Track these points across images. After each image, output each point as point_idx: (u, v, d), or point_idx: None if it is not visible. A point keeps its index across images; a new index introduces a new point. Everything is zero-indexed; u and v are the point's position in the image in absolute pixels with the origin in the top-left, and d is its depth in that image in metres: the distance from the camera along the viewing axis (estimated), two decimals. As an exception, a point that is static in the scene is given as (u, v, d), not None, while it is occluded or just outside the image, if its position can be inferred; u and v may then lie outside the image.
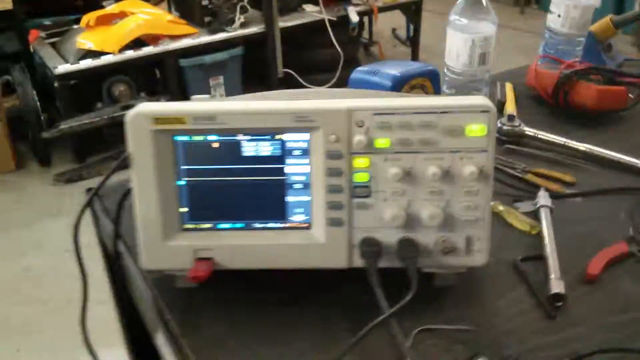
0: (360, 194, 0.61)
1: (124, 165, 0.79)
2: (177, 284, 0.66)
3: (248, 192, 0.63)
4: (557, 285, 0.64)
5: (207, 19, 3.27)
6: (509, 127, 0.97)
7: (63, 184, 2.85)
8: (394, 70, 0.88)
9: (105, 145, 3.11)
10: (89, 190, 0.88)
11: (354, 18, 3.52)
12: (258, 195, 0.63)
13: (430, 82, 0.90)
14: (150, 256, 0.64)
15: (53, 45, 3.21)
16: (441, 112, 0.59)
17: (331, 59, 3.55)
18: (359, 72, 0.93)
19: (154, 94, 3.10)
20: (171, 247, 0.63)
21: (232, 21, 3.28)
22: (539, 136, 0.96)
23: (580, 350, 0.57)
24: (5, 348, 1.90)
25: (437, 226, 0.61)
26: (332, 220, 0.62)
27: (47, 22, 3.46)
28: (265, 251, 0.63)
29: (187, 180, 0.63)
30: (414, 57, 3.95)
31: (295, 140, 0.62)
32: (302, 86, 3.55)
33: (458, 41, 0.96)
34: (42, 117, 2.88)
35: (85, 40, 3.06)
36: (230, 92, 3.25)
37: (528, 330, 0.61)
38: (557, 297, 0.64)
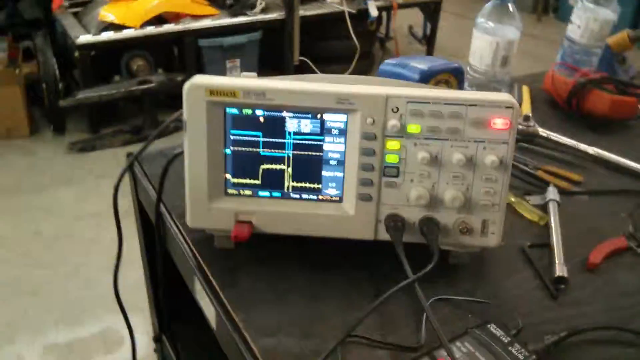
0: (389, 173, 0.67)
1: (162, 133, 0.85)
2: (216, 243, 0.73)
3: (287, 164, 0.70)
4: (560, 269, 0.71)
5: (228, 2, 3.31)
6: (524, 127, 1.03)
7: (76, 152, 2.91)
8: (421, 64, 0.94)
9: (119, 118, 3.18)
10: (129, 155, 0.94)
11: (374, 12, 3.56)
12: (296, 168, 0.70)
13: (455, 78, 0.96)
14: (196, 215, 0.70)
15: (75, 15, 3.25)
16: (469, 105, 0.65)
17: (347, 50, 3.60)
18: (388, 65, 0.99)
19: (171, 71, 3.15)
20: (215, 208, 0.70)
21: (253, 5, 3.32)
22: (551, 137, 1.02)
23: (578, 327, 0.64)
24: (15, 309, 1.97)
25: (457, 208, 0.67)
26: (362, 195, 0.68)
27: (70, -10, 3.49)
28: (300, 219, 0.70)
29: (233, 149, 0.69)
30: (429, 55, 4.00)
31: (334, 120, 0.68)
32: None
33: (483, 43, 1.02)
34: (60, 86, 2.93)
35: (107, 12, 3.10)
36: (246, 76, 3.30)
37: (532, 306, 0.68)
38: (560, 279, 0.71)
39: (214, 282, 0.69)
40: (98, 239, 2.25)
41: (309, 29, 3.47)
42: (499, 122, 0.65)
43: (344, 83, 0.68)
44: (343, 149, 0.69)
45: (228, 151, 0.69)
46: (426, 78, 0.93)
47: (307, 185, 0.70)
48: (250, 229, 0.69)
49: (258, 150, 0.69)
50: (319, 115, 0.68)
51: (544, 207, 0.85)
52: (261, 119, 0.68)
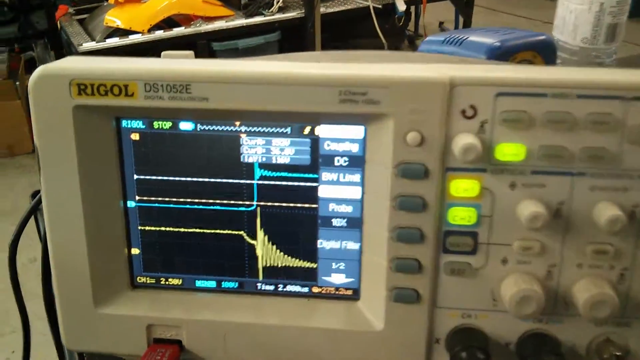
0: (457, 246, 0.32)
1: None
2: (121, 377, 0.38)
3: (250, 227, 0.35)
4: None
5: (243, 1, 3.11)
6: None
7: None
8: (489, 38, 0.58)
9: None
10: (35, 193, 0.61)
11: (401, 7, 3.28)
12: (268, 234, 0.35)
13: (542, 59, 0.60)
14: (75, 331, 0.36)
15: (81, 22, 3.09)
16: (632, 98, 0.30)
17: (373, 49, 3.32)
18: (431, 43, 0.64)
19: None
20: (109, 317, 0.35)
21: (270, 4, 3.09)
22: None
23: None
24: None
25: (602, 317, 0.32)
26: (399, 290, 0.33)
27: (77, -3, 3.33)
28: (275, 336, 0.35)
29: (141, 201, 0.35)
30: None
31: (338, 138, 0.33)
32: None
33: (578, 4, 0.66)
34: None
35: (113, 17, 2.90)
36: (264, 81, 3.05)
37: None
38: None
39: None
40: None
41: (331, 28, 3.21)
42: (701, 134, 0.30)
43: (360, 62, 0.34)
44: (359, 197, 0.34)
45: (131, 204, 0.35)
46: (497, 59, 0.57)
47: (289, 264, 0.36)
48: (176, 353, 0.35)
49: (189, 200, 0.35)
50: (307, 129, 0.33)
51: None
52: (192, 140, 0.34)
